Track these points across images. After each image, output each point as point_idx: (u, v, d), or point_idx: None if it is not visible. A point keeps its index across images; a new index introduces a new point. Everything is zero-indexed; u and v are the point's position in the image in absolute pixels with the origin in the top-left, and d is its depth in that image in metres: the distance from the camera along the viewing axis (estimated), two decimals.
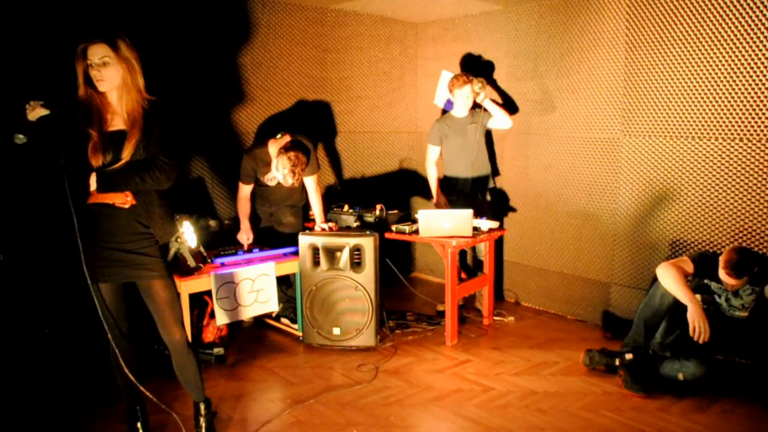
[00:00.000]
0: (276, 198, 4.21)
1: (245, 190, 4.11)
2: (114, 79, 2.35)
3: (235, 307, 3.66)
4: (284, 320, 4.30)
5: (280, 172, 3.83)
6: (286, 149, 3.79)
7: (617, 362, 3.40)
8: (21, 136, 2.23)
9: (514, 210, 4.85)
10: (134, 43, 2.40)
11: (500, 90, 4.79)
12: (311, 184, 4.13)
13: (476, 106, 4.45)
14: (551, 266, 4.63)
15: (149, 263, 2.47)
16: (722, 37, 3.51)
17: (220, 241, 4.11)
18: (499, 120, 4.39)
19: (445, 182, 4.58)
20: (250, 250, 3.92)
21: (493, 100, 4.49)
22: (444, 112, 4.78)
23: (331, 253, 3.84)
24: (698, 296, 3.33)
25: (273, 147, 3.93)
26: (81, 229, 2.33)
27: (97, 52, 2.30)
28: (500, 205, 4.85)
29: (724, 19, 3.49)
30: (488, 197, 4.54)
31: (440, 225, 3.93)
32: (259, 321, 4.38)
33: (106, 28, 2.37)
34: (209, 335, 3.86)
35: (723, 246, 3.59)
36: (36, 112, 2.27)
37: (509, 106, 4.65)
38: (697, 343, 3.14)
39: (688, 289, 3.20)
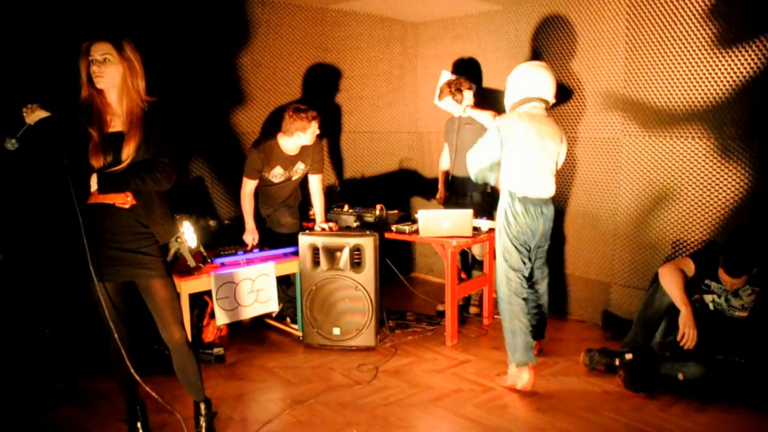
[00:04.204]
0: (278, 197, 4.21)
1: (249, 186, 4.06)
2: (113, 78, 2.35)
3: (235, 307, 3.66)
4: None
5: (305, 130, 3.91)
6: (295, 111, 3.90)
7: (617, 362, 3.40)
8: (13, 141, 2.22)
9: None
10: (135, 44, 2.41)
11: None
12: (316, 182, 4.14)
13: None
14: (551, 266, 4.61)
15: (149, 262, 2.47)
16: (722, 37, 3.51)
17: (220, 241, 4.11)
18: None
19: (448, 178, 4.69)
20: (250, 250, 3.92)
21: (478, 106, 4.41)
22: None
23: (331, 253, 3.84)
24: (698, 296, 3.34)
25: (282, 138, 3.97)
26: (84, 229, 2.33)
27: (100, 49, 2.32)
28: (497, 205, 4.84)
29: (724, 19, 3.49)
30: (479, 198, 4.46)
31: (440, 225, 3.93)
32: (259, 321, 4.38)
33: (113, 29, 2.39)
34: (209, 335, 3.87)
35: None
36: (35, 114, 2.27)
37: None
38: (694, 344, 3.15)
39: (683, 293, 3.20)
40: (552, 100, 3.42)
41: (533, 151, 3.29)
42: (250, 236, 4.08)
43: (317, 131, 3.99)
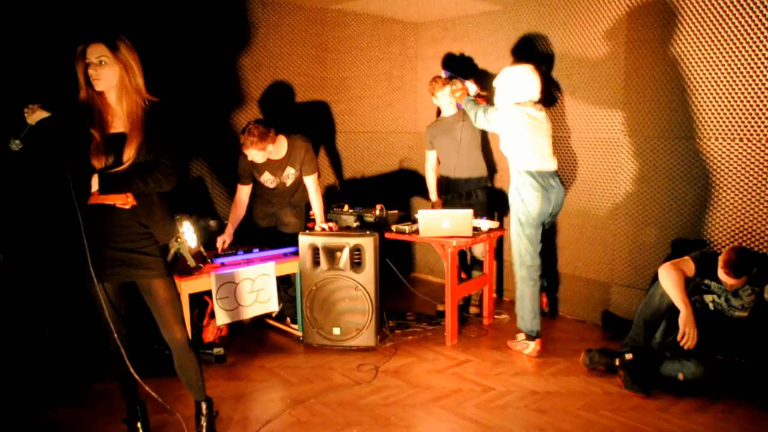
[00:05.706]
0: (277, 199, 4.20)
1: (242, 192, 4.09)
2: (111, 79, 2.34)
3: (235, 307, 3.66)
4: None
5: (246, 150, 3.81)
6: (243, 132, 3.81)
7: (617, 362, 3.40)
8: (17, 141, 2.22)
9: None
10: (134, 44, 2.40)
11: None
12: (311, 183, 4.12)
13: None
14: (550, 266, 4.63)
15: (150, 262, 2.47)
16: (722, 37, 3.51)
17: None
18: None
19: (442, 183, 4.62)
20: (250, 250, 3.91)
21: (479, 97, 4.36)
22: (439, 113, 4.77)
23: (331, 253, 3.84)
24: (698, 296, 3.34)
25: None
26: (84, 230, 2.33)
27: (95, 51, 2.30)
28: (499, 205, 4.84)
29: (724, 19, 3.49)
30: (483, 197, 4.47)
31: (440, 225, 3.93)
32: (260, 321, 4.38)
33: (106, 29, 2.37)
34: (209, 335, 3.87)
35: (723, 246, 3.59)
36: (36, 115, 2.27)
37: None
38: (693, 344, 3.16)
39: (684, 293, 3.21)
40: (539, 97, 3.76)
41: (527, 130, 3.66)
42: (222, 240, 4.02)
43: (266, 154, 3.86)
